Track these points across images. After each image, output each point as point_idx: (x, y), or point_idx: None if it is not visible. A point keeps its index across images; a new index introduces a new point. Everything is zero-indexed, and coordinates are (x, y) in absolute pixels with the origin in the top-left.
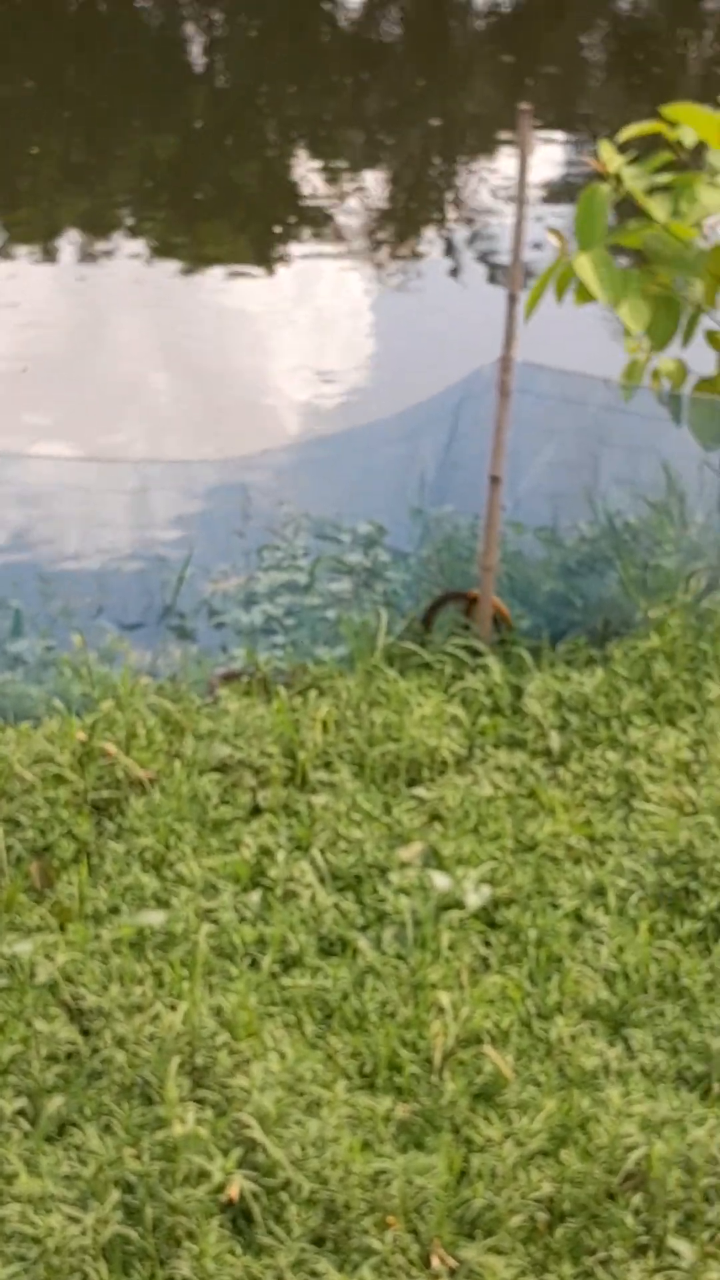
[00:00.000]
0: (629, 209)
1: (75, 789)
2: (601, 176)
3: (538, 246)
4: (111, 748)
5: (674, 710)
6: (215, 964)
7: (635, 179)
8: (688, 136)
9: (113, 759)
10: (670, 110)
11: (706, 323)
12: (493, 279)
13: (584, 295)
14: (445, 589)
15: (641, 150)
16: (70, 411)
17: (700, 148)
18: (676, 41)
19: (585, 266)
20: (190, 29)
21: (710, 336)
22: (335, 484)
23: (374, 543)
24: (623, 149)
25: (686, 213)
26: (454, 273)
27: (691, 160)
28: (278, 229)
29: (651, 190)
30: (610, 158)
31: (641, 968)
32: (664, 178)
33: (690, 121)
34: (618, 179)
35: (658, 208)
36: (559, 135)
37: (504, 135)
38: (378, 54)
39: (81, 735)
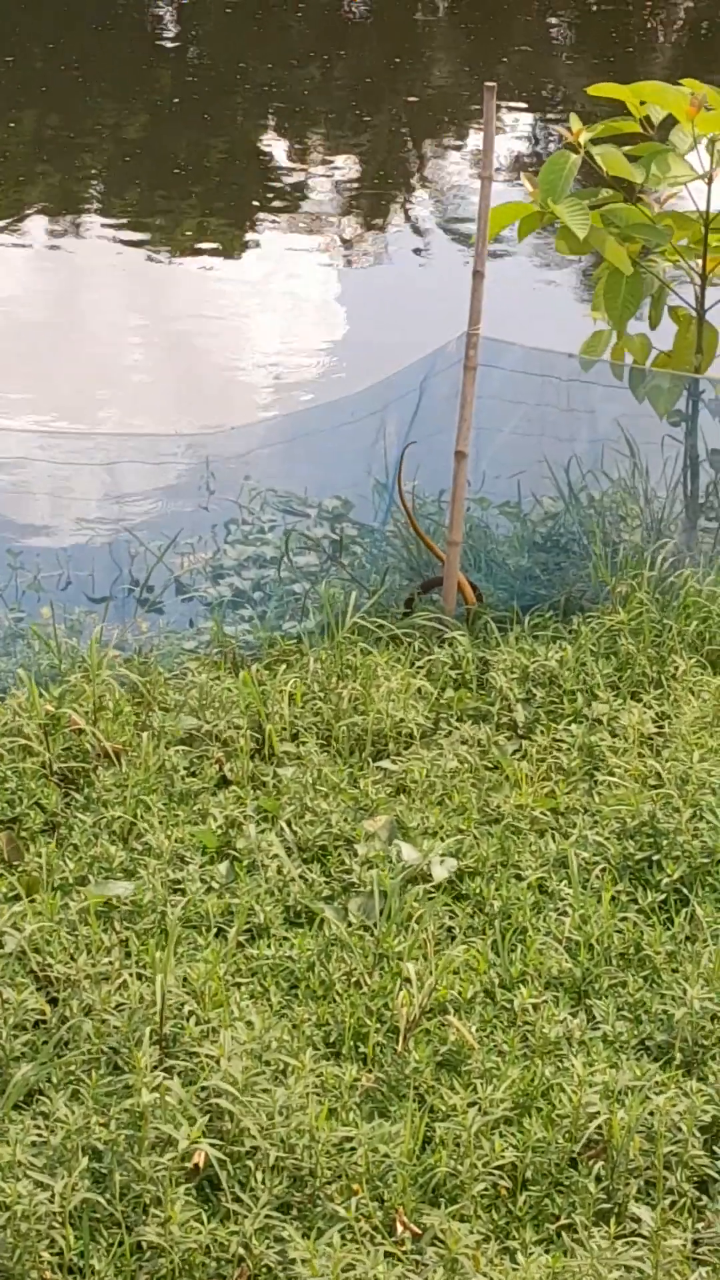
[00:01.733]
0: (593, 182)
1: (43, 761)
2: (572, 148)
3: None
4: (78, 719)
5: (639, 684)
6: (183, 934)
7: (604, 152)
8: (655, 113)
9: (81, 731)
10: (638, 88)
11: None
12: (462, 253)
13: (564, 245)
14: (424, 575)
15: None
16: (39, 387)
17: (665, 125)
18: (645, 19)
19: (565, 211)
20: (161, 5)
21: (673, 312)
22: (302, 459)
23: (340, 517)
24: (589, 120)
25: (659, 177)
26: (422, 248)
27: (657, 136)
28: (247, 205)
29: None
30: (579, 128)
31: (604, 938)
32: (630, 149)
33: (658, 100)
34: (587, 150)
35: (635, 171)
36: (528, 112)
37: (473, 111)
38: (347, 31)
39: (49, 707)
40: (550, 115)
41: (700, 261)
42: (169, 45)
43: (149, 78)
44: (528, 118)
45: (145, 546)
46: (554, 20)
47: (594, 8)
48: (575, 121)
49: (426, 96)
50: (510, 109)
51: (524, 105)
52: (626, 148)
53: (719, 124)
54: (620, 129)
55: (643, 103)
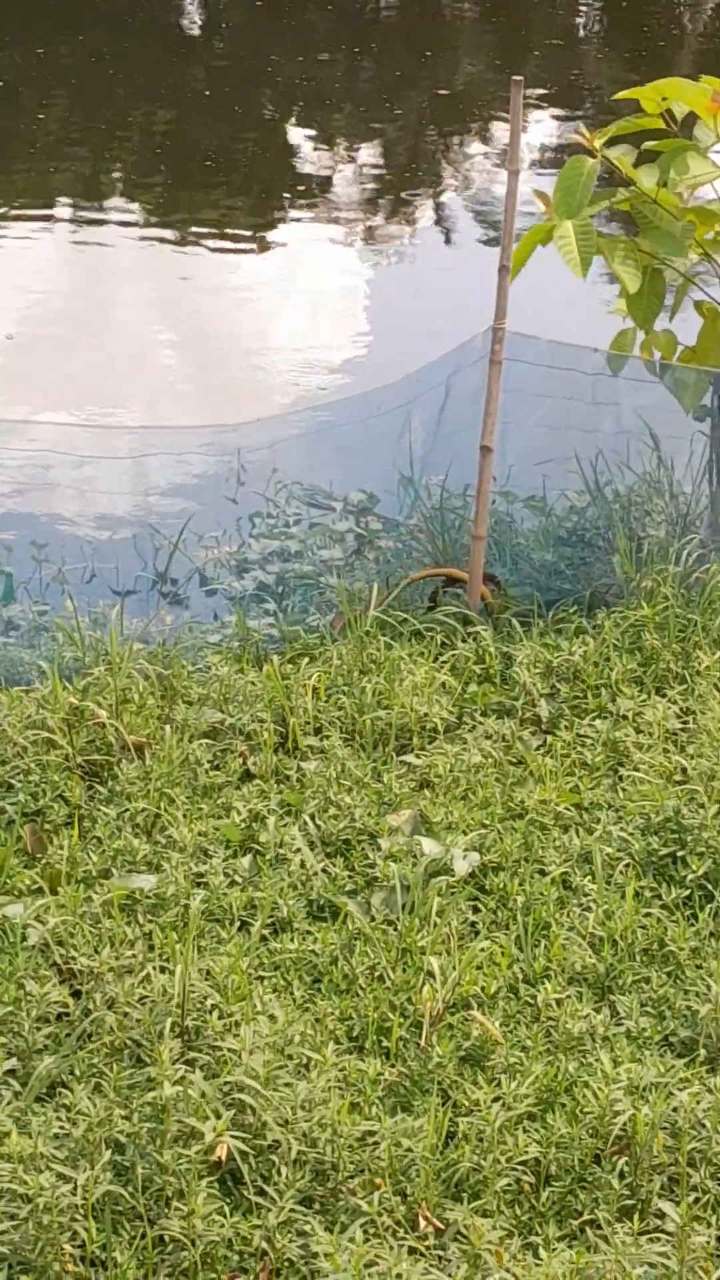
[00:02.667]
0: (619, 179)
1: (66, 753)
2: (589, 151)
3: (533, 215)
4: (100, 712)
5: (663, 680)
6: (206, 927)
7: (620, 155)
8: (679, 109)
9: (105, 724)
10: (660, 85)
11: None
12: (488, 247)
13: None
14: (438, 562)
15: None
16: (65, 380)
17: (688, 121)
18: (676, 12)
19: (565, 237)
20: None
21: (698, 306)
22: (328, 452)
23: (366, 511)
24: (614, 115)
25: (676, 180)
26: (449, 242)
27: (680, 134)
28: (274, 199)
29: (639, 162)
30: (592, 135)
31: (628, 934)
32: (651, 144)
33: (679, 96)
34: (603, 154)
35: (645, 176)
36: (556, 105)
37: (502, 104)
38: (376, 25)
39: (73, 700)
40: (580, 112)
41: None
42: (198, 38)
43: (178, 70)
44: (556, 112)
45: (167, 539)
46: (583, 14)
47: (624, 2)
48: (585, 131)
49: (456, 90)
50: (539, 105)
51: (553, 99)
52: (650, 143)
53: None
54: (640, 126)
55: (664, 99)
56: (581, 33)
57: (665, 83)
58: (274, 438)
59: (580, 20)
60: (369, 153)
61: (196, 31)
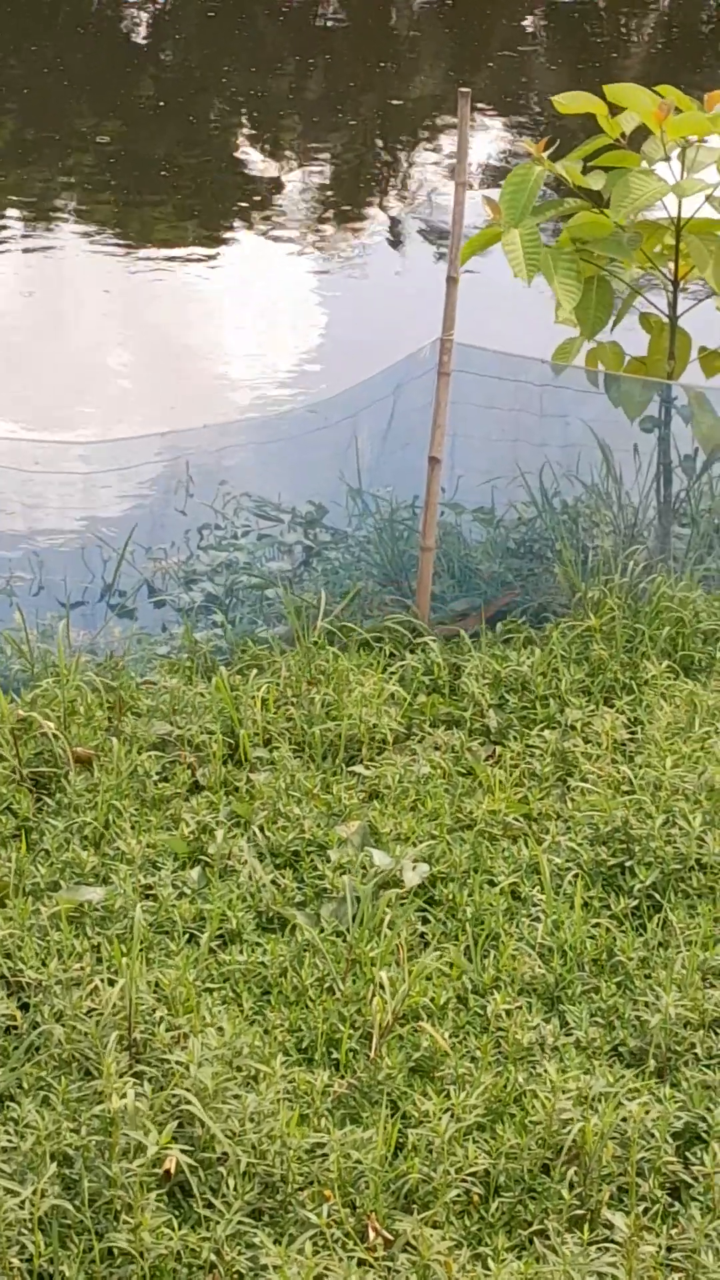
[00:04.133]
0: (567, 190)
1: (13, 766)
2: (536, 159)
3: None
4: (48, 724)
5: (611, 690)
6: (154, 940)
7: (568, 165)
8: (628, 122)
9: (52, 735)
10: (611, 91)
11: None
12: (439, 258)
13: (520, 271)
14: (398, 580)
15: (584, 128)
16: (13, 391)
17: (639, 132)
18: (625, 23)
19: (512, 244)
20: (135, 9)
21: (644, 319)
22: (276, 464)
23: (314, 523)
24: (562, 125)
25: (618, 206)
26: (400, 252)
27: (631, 143)
28: (226, 209)
29: (588, 170)
30: (538, 147)
31: (577, 944)
32: (599, 159)
33: (629, 104)
34: (549, 165)
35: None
36: (507, 116)
37: (452, 115)
38: (329, 36)
39: (20, 712)
40: (530, 122)
41: (672, 267)
42: (149, 49)
43: (130, 81)
44: (507, 122)
45: (115, 551)
46: (534, 25)
47: (574, 14)
48: (532, 145)
49: (407, 101)
50: (488, 114)
51: (504, 110)
52: (599, 157)
53: (688, 128)
54: (592, 148)
55: (615, 112)
56: (533, 44)
57: (616, 88)
58: (222, 448)
59: (531, 31)
60: (321, 163)
61: (147, 42)
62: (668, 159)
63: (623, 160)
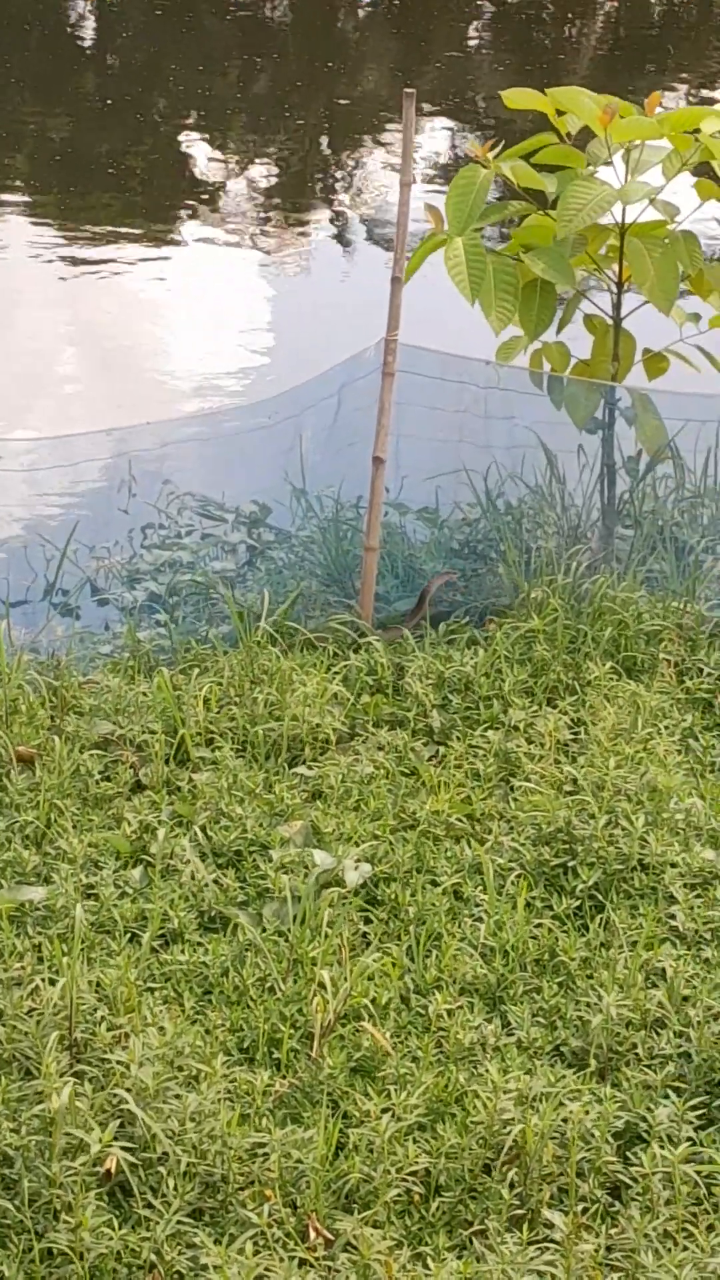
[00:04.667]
0: (514, 192)
1: None
2: (480, 162)
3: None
4: None
5: (554, 691)
6: (95, 939)
7: (514, 166)
8: (573, 122)
9: None
10: (555, 94)
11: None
12: (384, 257)
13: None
14: (342, 581)
15: (532, 126)
16: None
17: (585, 133)
18: (570, 26)
19: (455, 256)
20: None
21: (588, 321)
22: (220, 463)
23: (258, 522)
24: (508, 128)
25: (565, 219)
26: (346, 252)
27: (576, 143)
28: (172, 208)
29: (534, 166)
30: (484, 149)
31: (519, 944)
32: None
33: (573, 107)
34: (496, 166)
35: (546, 182)
36: (453, 116)
37: (393, 116)
38: (276, 35)
39: None
40: (476, 122)
41: (616, 269)
42: (95, 47)
43: (76, 79)
44: (453, 123)
45: (57, 549)
46: (481, 26)
47: (522, 16)
48: (477, 147)
49: (354, 100)
50: (436, 115)
51: (450, 110)
52: (543, 152)
53: (634, 133)
54: (540, 143)
55: (560, 113)
56: (479, 44)
57: (560, 91)
58: (165, 446)
59: (478, 32)
60: (267, 162)
61: (94, 40)
62: (610, 163)
63: (567, 158)
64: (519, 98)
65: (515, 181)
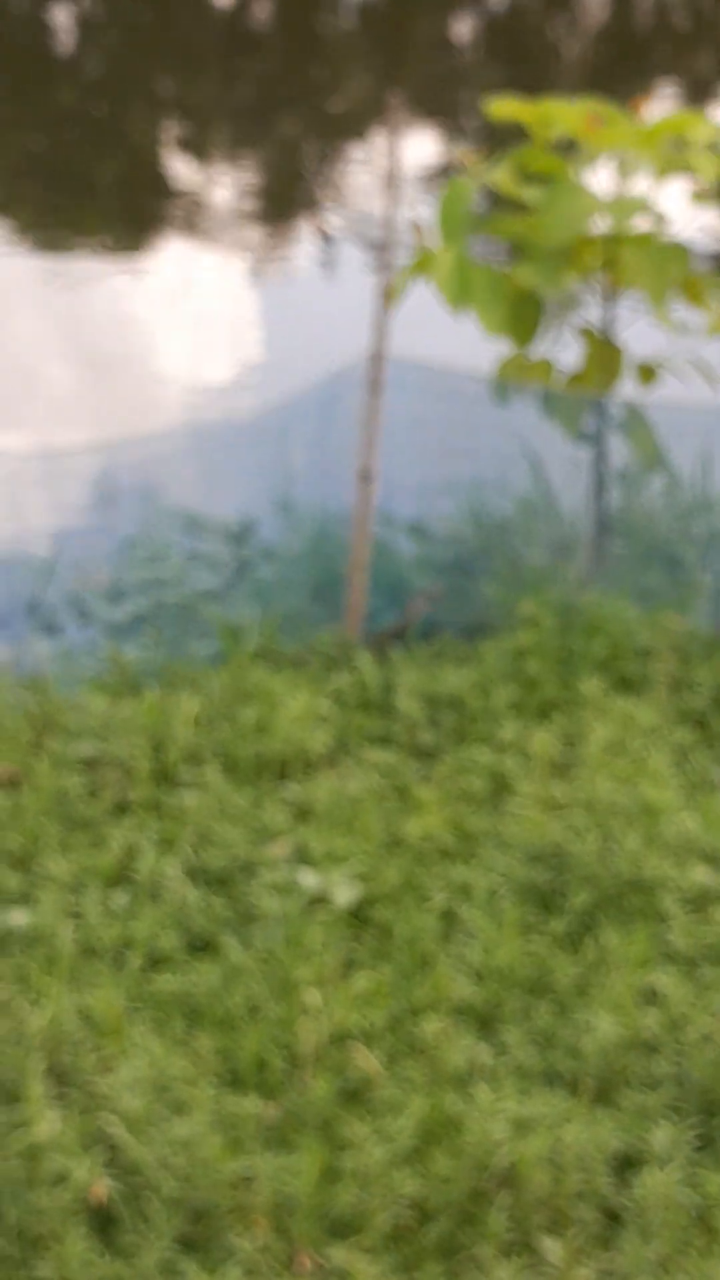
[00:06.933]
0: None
1: None
2: (468, 172)
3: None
4: None
5: (545, 708)
6: (81, 963)
7: (500, 180)
8: (556, 130)
9: None
10: (539, 104)
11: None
12: (370, 268)
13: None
14: (327, 597)
15: (521, 131)
16: None
17: (571, 142)
18: (556, 31)
19: (443, 268)
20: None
21: (579, 332)
22: (207, 477)
23: (244, 538)
24: (494, 134)
25: (548, 226)
26: (332, 262)
27: (566, 149)
28: (156, 218)
29: (521, 181)
30: (473, 160)
31: (511, 965)
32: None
33: (557, 116)
34: (483, 178)
35: (531, 195)
36: (440, 124)
37: (379, 124)
38: (258, 43)
39: None
40: (464, 130)
41: (605, 278)
42: (74, 58)
43: (55, 90)
44: (440, 130)
45: (42, 566)
46: (467, 33)
47: (510, 22)
48: (464, 155)
49: (339, 109)
50: (423, 123)
51: (437, 118)
52: (531, 163)
53: (612, 140)
54: (527, 154)
55: (545, 122)
56: (466, 52)
57: (544, 101)
58: (152, 460)
59: (465, 40)
60: (251, 172)
61: (73, 51)
62: (594, 171)
63: (554, 167)
64: (503, 107)
65: (503, 192)
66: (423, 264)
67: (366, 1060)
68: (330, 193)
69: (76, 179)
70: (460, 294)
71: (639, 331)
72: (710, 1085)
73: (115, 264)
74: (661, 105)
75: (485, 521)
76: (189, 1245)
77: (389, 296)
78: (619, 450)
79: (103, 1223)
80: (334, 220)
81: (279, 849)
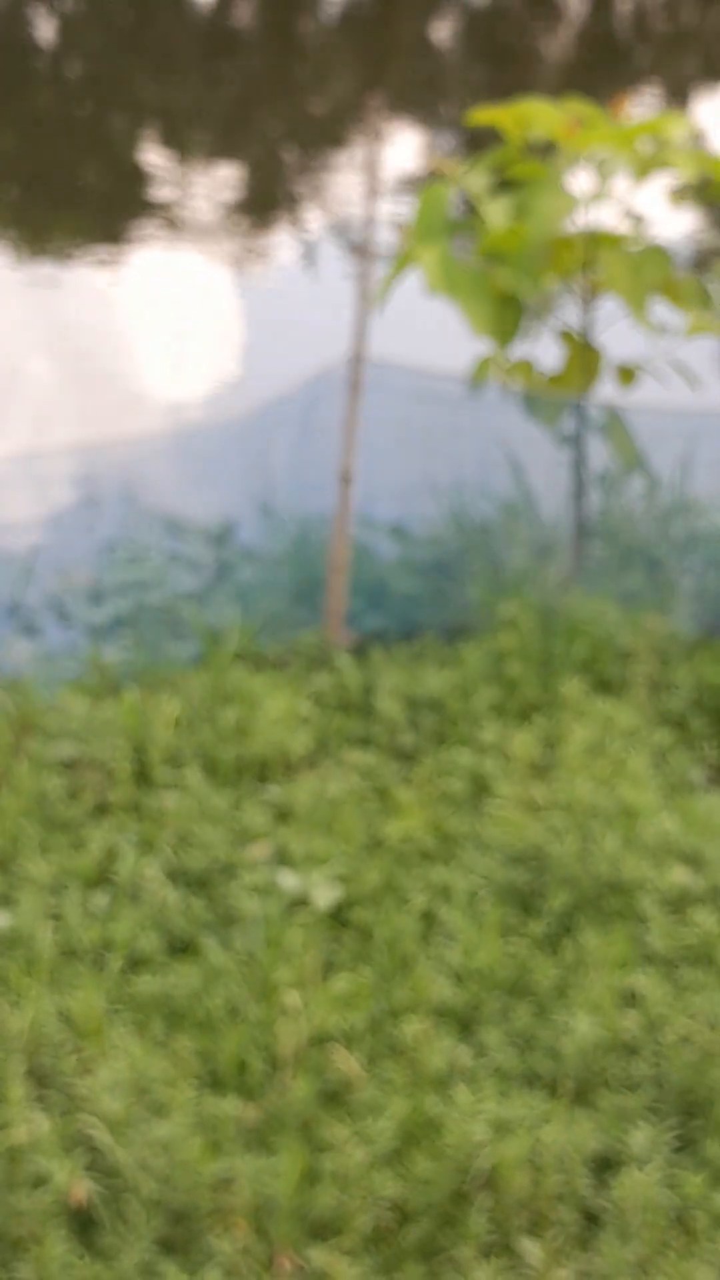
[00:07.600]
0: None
1: None
2: (443, 176)
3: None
4: None
5: (525, 709)
6: (61, 964)
7: (476, 182)
8: (536, 133)
9: None
10: (517, 108)
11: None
12: (351, 270)
13: (435, 286)
14: (309, 599)
15: (496, 139)
16: None
17: (550, 144)
18: (538, 32)
19: (430, 262)
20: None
21: (559, 334)
22: (187, 479)
23: (225, 540)
24: (474, 138)
25: (525, 226)
26: (313, 265)
27: (542, 154)
28: (134, 222)
29: (499, 185)
30: (450, 167)
31: (491, 967)
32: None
33: (536, 117)
34: (461, 184)
35: (496, 212)
36: (421, 126)
37: (360, 126)
38: (238, 44)
39: None
40: (444, 133)
41: (584, 280)
42: (54, 59)
43: (34, 91)
44: (420, 132)
45: (20, 567)
46: (449, 34)
47: (491, 22)
48: (441, 162)
49: (320, 111)
50: (403, 125)
51: (418, 120)
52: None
53: (591, 140)
54: (504, 158)
55: (523, 126)
56: (447, 53)
57: (523, 103)
58: (132, 463)
59: (446, 41)
60: (232, 174)
61: (52, 52)
62: (574, 172)
63: (532, 171)
64: (482, 115)
65: (477, 203)
66: (407, 258)
67: (346, 1062)
68: (311, 195)
69: (56, 180)
70: (446, 284)
71: (619, 333)
72: (689, 1087)
73: (95, 266)
74: (643, 107)
75: (466, 523)
76: (169, 1247)
77: (371, 298)
78: (599, 453)
79: (83, 1224)
80: (315, 223)
81: (259, 851)
